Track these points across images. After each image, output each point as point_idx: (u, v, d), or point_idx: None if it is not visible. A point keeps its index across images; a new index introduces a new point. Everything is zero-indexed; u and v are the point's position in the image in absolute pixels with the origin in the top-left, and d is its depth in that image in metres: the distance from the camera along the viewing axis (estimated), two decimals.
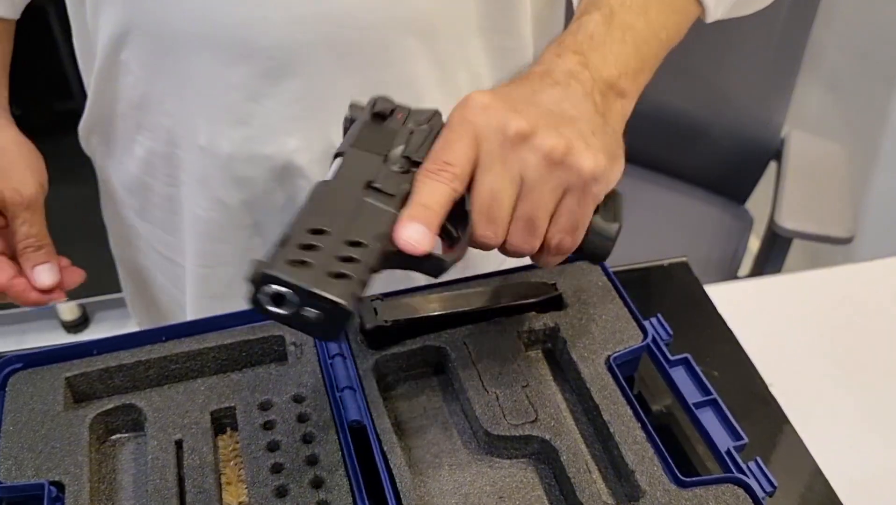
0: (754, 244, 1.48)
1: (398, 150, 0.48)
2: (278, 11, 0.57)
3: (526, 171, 0.45)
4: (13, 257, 0.60)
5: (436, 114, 0.52)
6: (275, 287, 0.39)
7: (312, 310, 0.39)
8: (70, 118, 1.61)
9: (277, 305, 0.39)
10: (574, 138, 0.45)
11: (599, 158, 0.46)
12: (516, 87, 0.48)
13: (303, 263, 0.39)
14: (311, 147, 0.63)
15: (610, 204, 0.51)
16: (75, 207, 1.71)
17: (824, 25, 1.52)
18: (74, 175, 1.67)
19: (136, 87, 0.65)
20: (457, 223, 0.47)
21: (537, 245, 0.47)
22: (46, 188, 0.60)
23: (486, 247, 0.47)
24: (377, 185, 0.46)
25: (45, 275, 0.60)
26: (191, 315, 0.75)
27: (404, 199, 0.45)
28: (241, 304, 0.53)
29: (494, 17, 0.63)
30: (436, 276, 0.46)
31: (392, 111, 0.51)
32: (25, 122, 1.71)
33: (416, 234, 0.43)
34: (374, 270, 0.43)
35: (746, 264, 1.43)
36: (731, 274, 1.34)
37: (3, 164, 0.58)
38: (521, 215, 0.46)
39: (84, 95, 1.72)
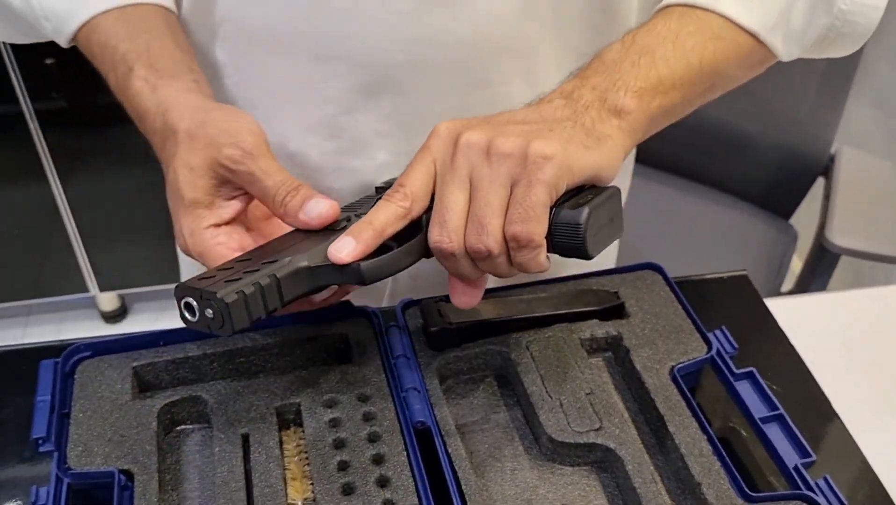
0: (794, 261, 1.46)
1: (371, 201, 0.53)
2: (380, 30, 0.57)
3: (472, 172, 0.47)
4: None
5: None
6: (184, 298, 0.46)
7: (209, 310, 0.45)
8: (115, 111, 1.65)
9: (190, 314, 0.46)
10: (521, 134, 0.47)
11: (549, 144, 0.46)
12: (490, 115, 0.51)
13: (210, 277, 0.46)
14: (400, 162, 0.63)
15: (586, 195, 0.49)
16: (117, 200, 1.74)
17: (875, 41, 1.50)
18: (118, 169, 1.70)
19: (230, 90, 0.65)
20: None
21: (492, 244, 0.47)
22: (264, 135, 0.52)
23: (443, 253, 0.48)
24: (331, 225, 0.51)
25: (320, 204, 0.50)
26: None
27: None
28: None
29: (593, 41, 0.62)
30: (358, 283, 0.49)
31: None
32: (71, 115, 1.74)
33: (344, 246, 0.47)
34: (286, 284, 0.47)
35: (787, 280, 1.41)
36: (774, 289, 1.33)
37: (208, 133, 0.51)
38: (472, 216, 0.47)
39: None
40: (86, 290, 1.84)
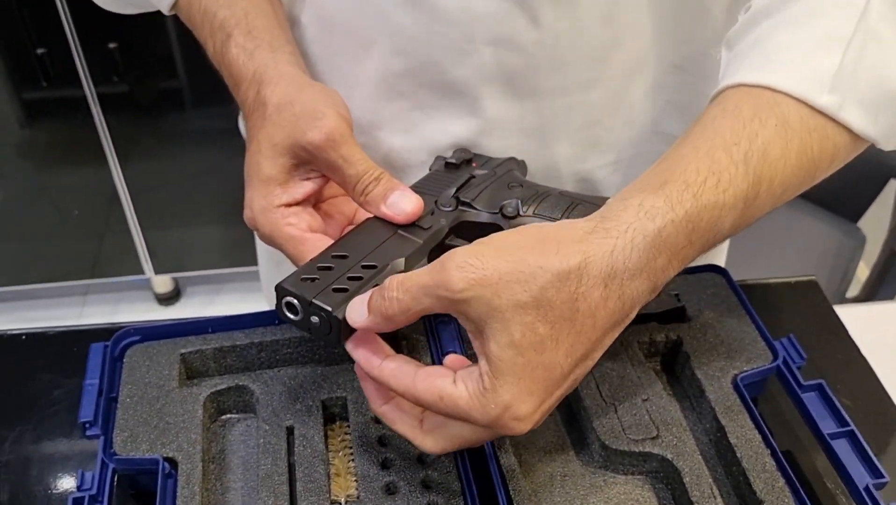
0: (861, 266, 1.40)
1: (450, 192, 0.53)
2: (457, 31, 0.55)
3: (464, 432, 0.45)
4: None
5: (507, 161, 0.58)
6: (287, 297, 0.45)
7: (315, 317, 0.44)
8: (175, 96, 1.67)
9: (292, 313, 0.46)
10: (555, 403, 0.44)
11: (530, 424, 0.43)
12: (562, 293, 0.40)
13: (313, 279, 0.45)
14: None
15: None
16: (174, 185, 1.76)
17: None
18: (176, 153, 1.72)
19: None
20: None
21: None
22: (350, 119, 0.50)
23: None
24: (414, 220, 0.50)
25: (404, 200, 0.49)
26: None
27: (435, 233, 0.50)
28: None
29: (677, 47, 0.59)
30: None
31: (468, 161, 0.57)
32: (132, 99, 1.77)
33: (357, 314, 0.44)
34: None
35: (852, 286, 1.35)
36: (839, 295, 1.28)
37: (295, 111, 0.49)
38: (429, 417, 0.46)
39: (189, 74, 1.74)
40: (141, 272, 1.87)
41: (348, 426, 0.53)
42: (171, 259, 1.87)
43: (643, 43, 0.58)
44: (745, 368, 0.54)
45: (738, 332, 0.57)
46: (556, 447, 0.53)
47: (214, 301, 2.01)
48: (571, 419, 0.55)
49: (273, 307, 0.68)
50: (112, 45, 1.54)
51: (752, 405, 0.52)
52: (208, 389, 0.54)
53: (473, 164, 0.57)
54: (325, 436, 0.53)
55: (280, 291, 0.45)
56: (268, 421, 0.52)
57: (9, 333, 0.66)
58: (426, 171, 0.58)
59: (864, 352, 0.63)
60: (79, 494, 0.49)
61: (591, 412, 0.52)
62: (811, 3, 0.47)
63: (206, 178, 1.74)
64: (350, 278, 0.46)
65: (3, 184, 1.73)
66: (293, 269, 0.48)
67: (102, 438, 0.51)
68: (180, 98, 1.68)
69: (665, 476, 0.51)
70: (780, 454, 0.49)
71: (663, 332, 0.57)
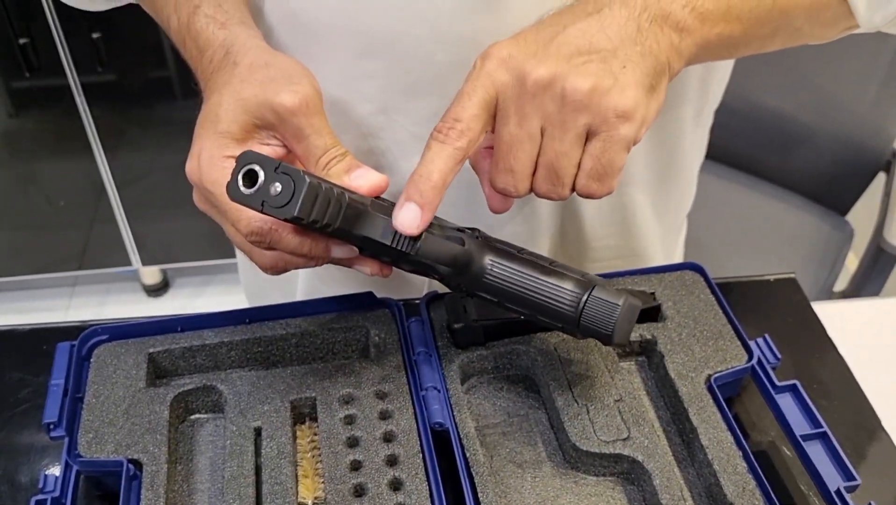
0: (850, 258, 1.40)
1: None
2: (423, 28, 0.54)
3: (546, 120, 0.44)
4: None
5: None
6: (251, 165, 0.42)
7: (278, 185, 0.42)
8: (164, 85, 1.65)
9: (248, 184, 0.42)
10: (600, 77, 0.44)
11: (628, 95, 0.43)
12: (544, 25, 0.46)
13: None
14: None
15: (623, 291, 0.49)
16: (161, 175, 1.75)
17: None
18: (163, 143, 1.71)
19: None
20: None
21: (566, 193, 0.46)
22: (322, 95, 0.48)
23: (508, 194, 0.47)
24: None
25: (367, 175, 0.46)
26: (300, 295, 0.73)
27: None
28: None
29: None
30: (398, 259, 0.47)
31: None
32: (120, 88, 1.75)
33: (408, 215, 0.45)
34: (350, 209, 0.44)
35: (840, 281, 1.35)
36: (826, 289, 1.27)
37: (269, 73, 0.47)
38: (543, 164, 0.46)
39: (178, 63, 1.72)
40: (129, 263, 1.86)
41: (317, 427, 0.52)
42: (158, 250, 1.86)
43: None
44: (718, 369, 0.54)
45: (714, 331, 0.56)
46: (528, 450, 0.53)
47: (203, 293, 1.99)
48: (544, 421, 0.54)
49: (252, 305, 0.67)
50: (96, 35, 1.52)
51: (724, 406, 0.52)
52: (176, 389, 0.54)
53: None
54: (294, 437, 0.52)
55: (244, 157, 0.42)
56: (235, 422, 0.52)
57: None
58: (391, 175, 0.56)
59: (842, 350, 0.62)
60: (41, 497, 0.48)
61: (563, 413, 0.52)
62: None
63: None
64: (318, 178, 0.44)
65: None
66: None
67: (67, 439, 0.50)
68: (167, 87, 1.66)
69: (636, 478, 0.50)
70: (751, 456, 0.49)
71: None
